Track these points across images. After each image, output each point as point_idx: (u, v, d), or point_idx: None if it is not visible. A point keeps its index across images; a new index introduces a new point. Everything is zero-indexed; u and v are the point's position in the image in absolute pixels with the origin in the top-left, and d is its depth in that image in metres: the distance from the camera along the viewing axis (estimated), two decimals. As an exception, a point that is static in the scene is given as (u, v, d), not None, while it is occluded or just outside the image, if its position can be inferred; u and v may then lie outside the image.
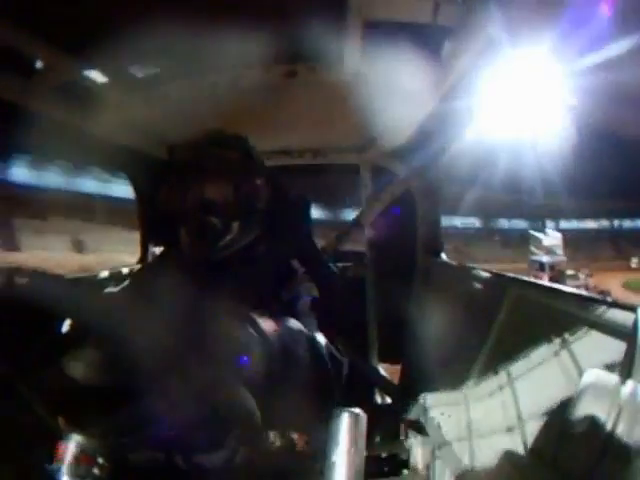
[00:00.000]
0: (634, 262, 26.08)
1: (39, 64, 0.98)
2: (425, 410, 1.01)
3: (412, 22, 0.84)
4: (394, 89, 1.16)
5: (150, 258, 1.71)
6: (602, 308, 0.64)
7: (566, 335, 0.70)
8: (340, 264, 1.92)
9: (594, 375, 0.52)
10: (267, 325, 0.85)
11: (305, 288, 0.89)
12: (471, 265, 1.58)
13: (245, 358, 0.44)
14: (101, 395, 0.52)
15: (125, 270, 1.63)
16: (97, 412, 0.53)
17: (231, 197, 0.86)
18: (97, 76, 1.07)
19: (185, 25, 0.87)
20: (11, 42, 0.87)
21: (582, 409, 0.53)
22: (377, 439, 1.43)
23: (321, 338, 0.84)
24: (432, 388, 1.22)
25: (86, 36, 0.90)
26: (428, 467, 0.91)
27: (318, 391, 0.73)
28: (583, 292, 0.80)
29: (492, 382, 0.93)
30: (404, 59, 1.03)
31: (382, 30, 0.86)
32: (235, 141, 0.93)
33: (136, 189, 1.77)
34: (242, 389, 0.56)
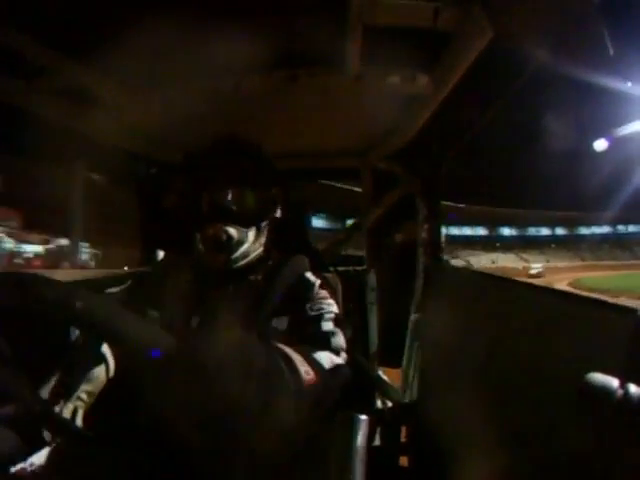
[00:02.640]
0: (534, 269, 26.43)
1: (40, 67, 0.98)
2: (426, 413, 1.01)
3: (412, 26, 0.85)
4: (394, 93, 1.16)
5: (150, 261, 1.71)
6: (602, 309, 0.65)
7: (566, 336, 0.70)
8: (341, 268, 1.93)
9: (594, 376, 0.52)
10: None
11: (327, 304, 0.87)
12: (471, 268, 1.58)
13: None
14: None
15: (126, 272, 1.64)
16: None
17: (248, 206, 0.86)
18: (98, 79, 1.08)
19: (186, 29, 0.88)
20: (12, 45, 0.88)
21: (582, 410, 0.53)
22: (378, 442, 1.42)
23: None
24: (433, 391, 1.22)
25: (87, 39, 0.91)
26: (429, 469, 0.91)
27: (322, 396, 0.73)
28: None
29: (493, 384, 0.93)
30: (404, 63, 1.04)
31: (382, 34, 0.87)
32: (249, 148, 0.93)
33: (136, 192, 1.78)
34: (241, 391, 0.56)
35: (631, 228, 49.62)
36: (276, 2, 0.86)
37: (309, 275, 0.92)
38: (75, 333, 0.83)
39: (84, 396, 0.75)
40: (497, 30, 0.77)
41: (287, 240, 0.98)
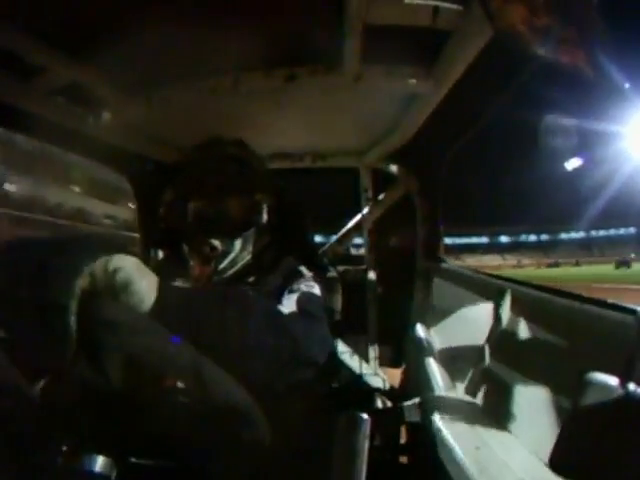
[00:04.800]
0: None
1: (39, 66, 0.98)
2: (426, 413, 1.01)
3: (412, 25, 0.85)
4: (393, 92, 1.16)
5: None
6: (602, 308, 0.64)
7: (566, 335, 0.70)
8: (340, 267, 1.93)
9: (594, 375, 0.52)
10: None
11: (307, 285, 0.86)
12: (470, 268, 1.58)
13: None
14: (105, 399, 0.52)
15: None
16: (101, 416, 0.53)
17: (232, 215, 0.85)
18: (97, 78, 1.08)
19: (185, 28, 0.88)
20: (11, 44, 0.88)
21: (582, 410, 0.53)
22: (378, 442, 1.42)
23: (328, 340, 0.82)
24: (433, 391, 1.22)
25: (86, 38, 0.91)
26: (429, 469, 0.91)
27: (323, 393, 0.73)
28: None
29: (492, 384, 0.93)
30: (404, 62, 1.04)
31: (382, 33, 0.86)
32: (234, 150, 0.91)
33: (135, 191, 1.78)
34: (244, 391, 0.56)
35: (601, 233, 69.55)
36: (275, 1, 0.86)
37: (302, 268, 0.91)
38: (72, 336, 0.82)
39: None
40: (496, 29, 0.76)
41: (284, 242, 0.97)
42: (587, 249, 64.87)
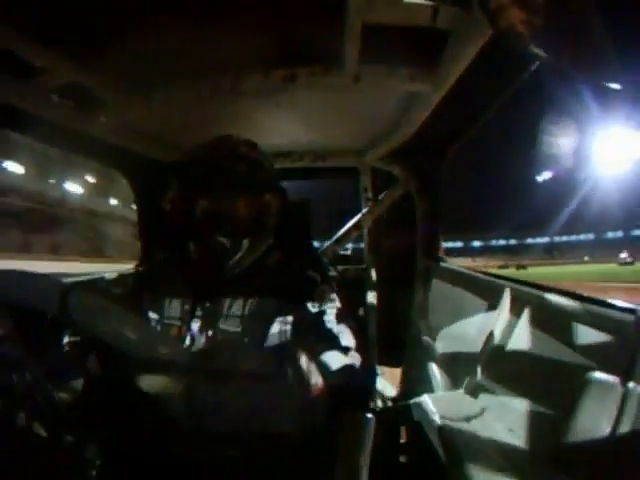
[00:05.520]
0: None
1: (39, 67, 0.98)
2: (426, 413, 1.01)
3: (411, 25, 0.85)
4: (393, 92, 1.16)
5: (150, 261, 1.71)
6: (602, 308, 0.65)
7: (566, 335, 0.70)
8: (340, 267, 1.93)
9: (594, 375, 0.52)
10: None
11: (329, 299, 0.87)
12: (470, 268, 1.58)
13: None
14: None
15: (124, 273, 1.64)
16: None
17: (241, 214, 0.85)
18: (97, 78, 1.08)
19: (185, 28, 0.88)
20: (12, 45, 0.88)
21: (582, 409, 0.53)
22: (378, 442, 1.42)
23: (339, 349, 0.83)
24: (433, 391, 1.22)
25: (87, 39, 0.91)
26: (429, 469, 0.91)
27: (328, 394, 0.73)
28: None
29: (493, 383, 0.93)
30: (403, 62, 1.04)
31: (381, 33, 0.86)
32: (245, 150, 0.91)
33: (136, 191, 1.78)
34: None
35: (564, 238, 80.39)
36: (275, 2, 0.86)
37: (310, 273, 0.92)
38: (65, 338, 0.81)
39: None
40: (495, 29, 0.76)
41: (287, 241, 0.97)
42: (549, 253, 73.57)
